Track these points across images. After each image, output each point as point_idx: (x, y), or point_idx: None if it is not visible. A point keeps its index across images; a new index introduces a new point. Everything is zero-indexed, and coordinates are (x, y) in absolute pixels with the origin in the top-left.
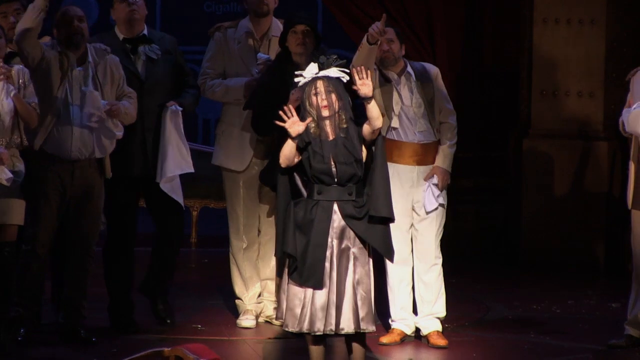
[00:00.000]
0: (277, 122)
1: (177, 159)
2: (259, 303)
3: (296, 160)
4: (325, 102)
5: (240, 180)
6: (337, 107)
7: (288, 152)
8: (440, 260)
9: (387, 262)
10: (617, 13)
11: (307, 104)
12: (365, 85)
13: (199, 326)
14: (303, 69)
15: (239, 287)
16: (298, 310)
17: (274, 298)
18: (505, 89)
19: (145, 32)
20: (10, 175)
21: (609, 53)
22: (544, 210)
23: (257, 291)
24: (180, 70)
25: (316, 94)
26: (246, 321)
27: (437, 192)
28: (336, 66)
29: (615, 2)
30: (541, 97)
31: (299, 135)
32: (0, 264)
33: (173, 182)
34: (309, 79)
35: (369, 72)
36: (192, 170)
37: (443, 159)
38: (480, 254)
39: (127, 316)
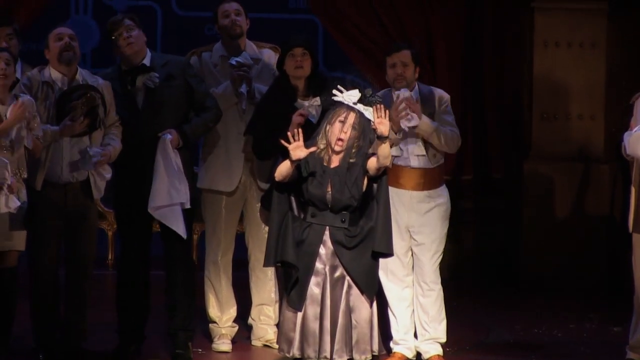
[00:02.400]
0: (282, 141)
1: (164, 189)
2: (233, 327)
3: (290, 180)
4: (343, 136)
5: (222, 202)
6: (350, 144)
7: (284, 171)
8: (439, 285)
9: (384, 284)
10: (618, 36)
11: (327, 123)
12: (382, 125)
13: (200, 350)
14: (302, 93)
15: (214, 311)
16: (292, 335)
17: (271, 322)
18: (506, 112)
19: (147, 59)
20: (18, 203)
21: (610, 76)
22: (545, 233)
23: (233, 315)
24: (190, 92)
25: (342, 122)
26: (223, 345)
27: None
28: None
29: (616, 25)
30: (542, 120)
31: (298, 160)
32: (1, 289)
33: (171, 209)
34: (345, 103)
35: (387, 111)
36: (183, 200)
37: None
38: (481, 276)
39: (135, 344)
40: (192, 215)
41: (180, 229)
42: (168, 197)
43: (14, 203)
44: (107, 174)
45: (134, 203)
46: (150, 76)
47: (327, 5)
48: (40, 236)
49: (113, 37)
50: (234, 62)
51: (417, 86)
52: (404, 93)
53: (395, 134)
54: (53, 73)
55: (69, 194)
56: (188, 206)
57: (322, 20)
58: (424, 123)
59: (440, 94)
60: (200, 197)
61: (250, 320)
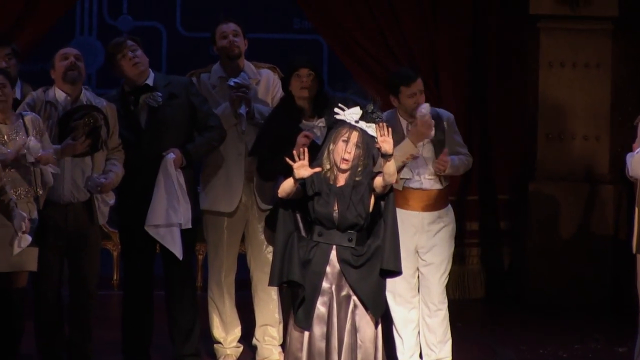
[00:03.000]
0: (287, 159)
1: (162, 208)
2: (238, 347)
3: (293, 197)
4: (347, 156)
5: (224, 223)
6: (356, 163)
7: (288, 188)
8: (445, 305)
9: (391, 305)
10: (623, 57)
11: (331, 144)
12: (386, 142)
13: None
14: (307, 114)
15: (218, 331)
16: (299, 355)
17: (276, 342)
18: (511, 132)
19: (150, 80)
20: (30, 240)
21: (615, 97)
22: (550, 253)
23: (237, 335)
24: (193, 112)
25: (345, 142)
26: None
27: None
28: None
29: (621, 46)
30: (547, 140)
31: (302, 179)
32: (10, 309)
33: (169, 230)
34: (347, 121)
35: (390, 129)
36: (181, 221)
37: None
38: (487, 296)
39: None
40: (194, 236)
41: (176, 249)
42: (166, 217)
43: (26, 241)
44: (110, 200)
45: (137, 223)
46: (153, 95)
47: (332, 25)
48: (43, 256)
49: (116, 59)
50: (232, 84)
51: None
52: (426, 108)
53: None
54: (57, 93)
55: (70, 214)
56: (188, 226)
57: (327, 41)
58: (452, 167)
59: (447, 115)
60: (203, 218)
61: (254, 341)
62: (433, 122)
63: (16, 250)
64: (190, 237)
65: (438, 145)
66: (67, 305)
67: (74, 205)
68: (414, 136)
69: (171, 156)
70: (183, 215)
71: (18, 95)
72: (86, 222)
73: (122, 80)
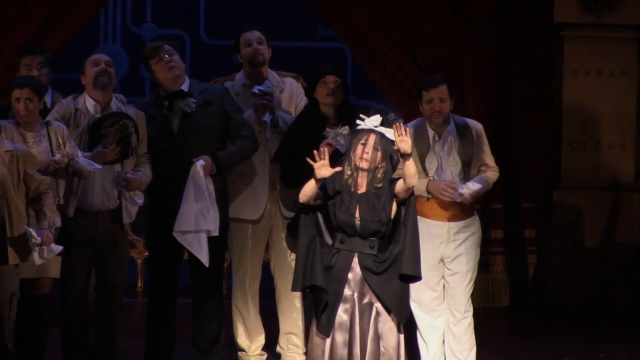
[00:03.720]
0: (308, 159)
1: (191, 214)
2: (262, 355)
3: (315, 202)
4: (367, 156)
5: (248, 231)
6: (376, 165)
7: (309, 191)
8: (470, 313)
9: (416, 313)
10: None
11: (351, 149)
12: (404, 142)
13: None
14: (331, 121)
15: (242, 339)
16: None
17: (300, 350)
18: (536, 140)
19: (185, 85)
20: (60, 247)
21: None
22: (574, 262)
23: (261, 343)
24: (226, 120)
25: (364, 144)
26: None
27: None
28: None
29: None
30: (572, 149)
31: (323, 179)
32: (34, 316)
33: (197, 236)
34: (366, 128)
35: (408, 129)
36: (210, 227)
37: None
38: (511, 305)
39: None
40: (223, 245)
41: (203, 256)
42: (194, 223)
43: (52, 252)
44: (139, 199)
45: (164, 229)
46: (187, 101)
47: (356, 33)
48: (71, 263)
49: (151, 63)
50: (256, 91)
51: (452, 121)
52: (468, 191)
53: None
54: (87, 100)
55: (99, 222)
56: (216, 234)
57: (351, 49)
58: (477, 191)
59: (475, 125)
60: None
61: (278, 349)
62: (457, 195)
63: (37, 261)
64: (219, 246)
65: (465, 158)
66: (93, 313)
67: (104, 213)
68: (432, 189)
69: (201, 163)
70: (211, 223)
71: (48, 103)
72: (115, 230)
73: (150, 87)
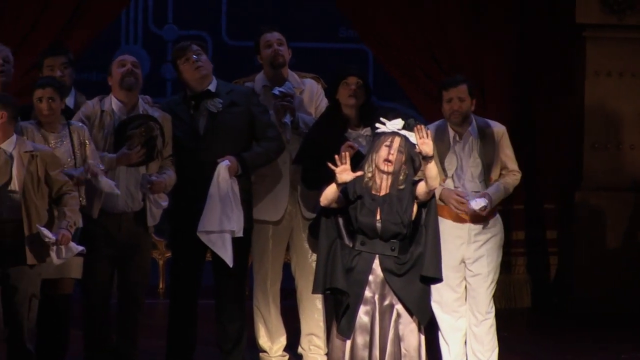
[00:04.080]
0: (329, 165)
1: (215, 215)
2: (284, 357)
3: (336, 206)
4: (391, 157)
5: (269, 232)
6: (399, 168)
7: (330, 195)
8: (492, 314)
9: (438, 314)
10: None
11: (374, 151)
12: (425, 145)
13: None
14: (353, 122)
15: (263, 340)
16: None
17: (321, 352)
18: (557, 141)
19: (212, 86)
20: (81, 248)
21: None
22: (596, 263)
23: (283, 344)
24: (252, 121)
25: (388, 147)
26: None
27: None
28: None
29: None
30: (593, 150)
31: (344, 184)
32: (56, 316)
33: (221, 236)
34: (389, 131)
35: (429, 131)
36: (234, 228)
37: (495, 190)
38: (533, 306)
39: None
40: (247, 246)
41: (227, 256)
42: (218, 224)
43: (71, 251)
44: (164, 202)
45: (188, 228)
46: (214, 101)
47: (378, 34)
48: (94, 265)
49: (178, 62)
50: (277, 93)
51: (473, 121)
52: (479, 203)
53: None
54: (113, 102)
55: (123, 224)
56: (240, 234)
57: (372, 50)
58: (495, 200)
59: (497, 127)
60: None
61: (300, 350)
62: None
63: (55, 261)
64: (242, 247)
65: (486, 160)
66: (115, 313)
67: (128, 215)
68: (445, 197)
69: (226, 163)
70: (236, 223)
71: (71, 104)
72: (139, 231)
73: (172, 88)
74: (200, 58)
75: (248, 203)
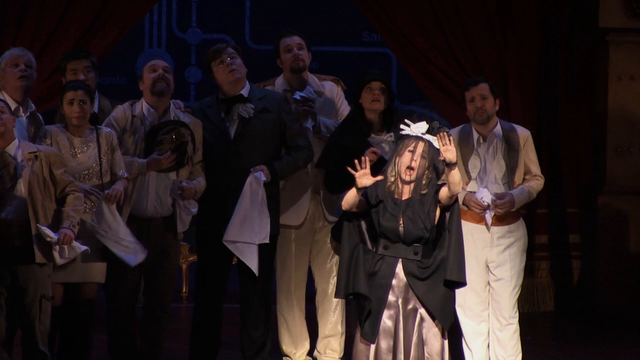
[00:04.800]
0: (349, 169)
1: (243, 226)
2: None
3: (358, 210)
4: (414, 164)
5: (292, 236)
6: (421, 174)
7: (351, 200)
8: (516, 319)
9: (461, 318)
10: None
11: (397, 156)
12: (449, 152)
13: None
14: (376, 127)
15: (287, 346)
16: None
17: (336, 355)
18: (580, 145)
19: (245, 90)
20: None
21: None
22: (619, 267)
23: (307, 349)
24: (283, 128)
25: (412, 152)
26: None
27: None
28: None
29: None
30: (616, 154)
31: (364, 188)
32: (79, 321)
33: (248, 245)
34: (413, 135)
35: (452, 137)
36: (260, 240)
37: (519, 192)
38: (556, 310)
39: None
40: (272, 252)
41: (253, 265)
42: (245, 235)
43: (79, 248)
44: (193, 208)
45: (215, 234)
46: (246, 106)
47: (401, 38)
48: (121, 270)
49: (212, 65)
50: (298, 97)
51: (498, 123)
52: (485, 196)
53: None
54: (144, 107)
55: (152, 229)
56: (266, 241)
57: (396, 54)
58: (519, 202)
59: (522, 131)
60: None
61: (315, 353)
62: (484, 205)
63: (58, 261)
64: (268, 253)
65: (510, 163)
66: (140, 318)
67: (157, 220)
68: (467, 201)
69: (260, 175)
70: (263, 231)
71: (95, 108)
72: (168, 237)
73: (195, 93)
74: (235, 61)
75: (275, 210)
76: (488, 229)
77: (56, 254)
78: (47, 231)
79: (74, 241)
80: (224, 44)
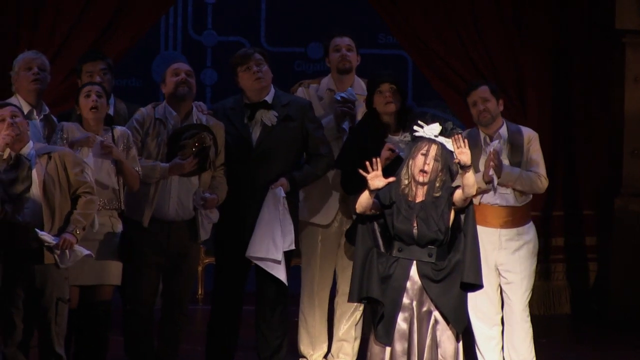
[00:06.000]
0: (360, 171)
1: (265, 242)
2: None
3: (371, 212)
4: (426, 167)
5: (319, 236)
6: (435, 177)
7: (364, 202)
8: (529, 322)
9: (473, 322)
10: None
11: (410, 158)
12: (463, 154)
13: None
14: (392, 128)
15: (305, 346)
16: None
17: (349, 359)
18: (597, 148)
19: (270, 97)
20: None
21: None
22: (635, 269)
23: (324, 351)
24: (305, 136)
25: (425, 155)
26: None
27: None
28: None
29: None
30: (632, 156)
31: (377, 190)
32: (95, 323)
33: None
34: (427, 137)
35: (466, 140)
36: (284, 251)
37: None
38: (571, 313)
39: None
40: (290, 256)
41: (281, 275)
42: (268, 252)
43: (82, 252)
44: (215, 217)
45: (234, 239)
46: (269, 114)
47: (416, 41)
48: (140, 271)
49: (238, 70)
50: (338, 98)
51: (504, 124)
52: (496, 145)
53: (486, 183)
54: (167, 110)
55: (173, 233)
56: (292, 247)
57: (412, 56)
58: (506, 174)
59: (528, 132)
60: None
61: (329, 356)
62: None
63: (60, 265)
64: (286, 257)
65: (513, 163)
66: (157, 320)
67: (178, 224)
68: (485, 170)
69: (281, 192)
70: (287, 238)
71: (111, 110)
72: (188, 241)
73: (211, 96)
74: (261, 68)
75: (295, 217)
76: (494, 190)
77: (57, 259)
78: (45, 236)
79: (75, 245)
80: (251, 50)
